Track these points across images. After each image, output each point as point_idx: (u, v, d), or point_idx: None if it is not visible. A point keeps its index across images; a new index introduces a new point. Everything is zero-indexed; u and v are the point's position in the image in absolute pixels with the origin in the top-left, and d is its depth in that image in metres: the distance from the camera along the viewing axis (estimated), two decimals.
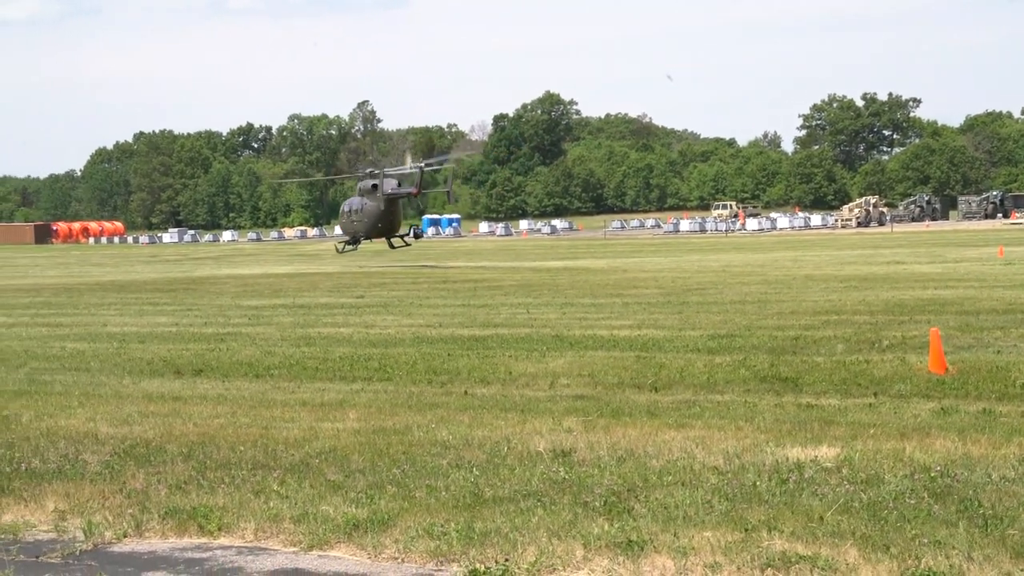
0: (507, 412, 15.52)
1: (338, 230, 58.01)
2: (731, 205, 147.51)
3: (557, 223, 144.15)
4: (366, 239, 51.12)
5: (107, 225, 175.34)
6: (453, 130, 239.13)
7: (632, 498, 10.44)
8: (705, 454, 12.18)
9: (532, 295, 38.08)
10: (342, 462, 12.25)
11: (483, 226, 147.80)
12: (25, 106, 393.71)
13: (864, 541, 8.95)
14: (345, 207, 52.60)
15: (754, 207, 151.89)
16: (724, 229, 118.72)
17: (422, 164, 50.21)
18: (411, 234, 55.24)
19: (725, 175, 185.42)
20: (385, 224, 47.98)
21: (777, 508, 9.97)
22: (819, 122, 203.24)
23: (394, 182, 48.88)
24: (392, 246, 57.39)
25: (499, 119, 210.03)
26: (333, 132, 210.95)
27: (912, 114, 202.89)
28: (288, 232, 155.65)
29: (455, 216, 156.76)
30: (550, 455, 12.32)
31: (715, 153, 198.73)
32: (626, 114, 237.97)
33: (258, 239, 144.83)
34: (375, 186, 48.98)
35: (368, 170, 49.45)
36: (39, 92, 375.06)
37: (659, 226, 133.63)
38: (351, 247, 55.39)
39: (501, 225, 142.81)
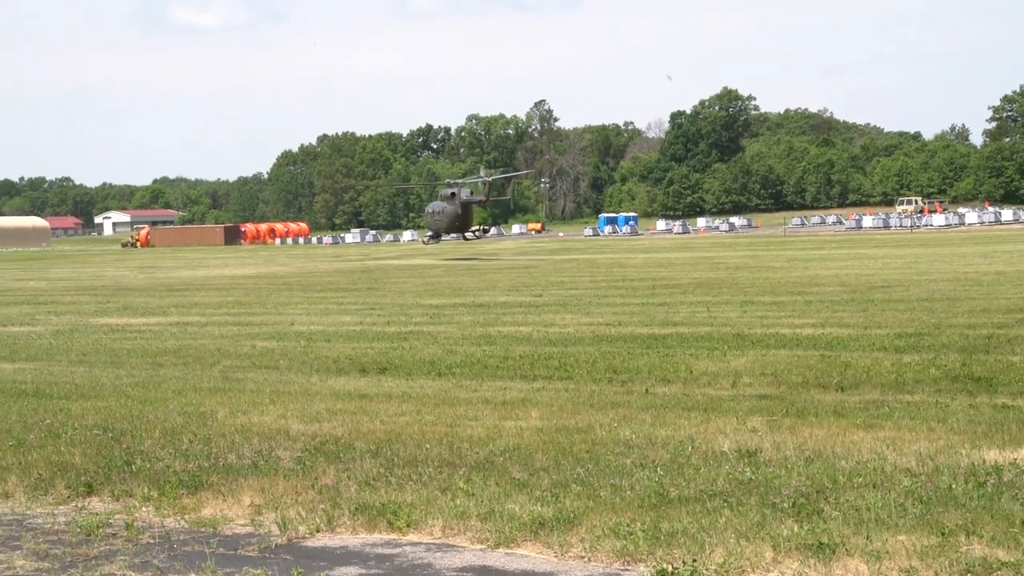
0: (690, 411, 15.40)
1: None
2: (916, 200, 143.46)
3: (735, 220, 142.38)
4: (446, 234, 61.02)
5: (292, 226, 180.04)
6: (630, 128, 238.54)
7: (821, 500, 10.24)
8: (896, 455, 11.87)
9: (711, 293, 37.71)
10: (526, 460, 12.33)
11: (660, 224, 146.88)
12: (215, 111, 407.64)
13: None
14: (429, 209, 62.40)
15: (941, 202, 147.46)
16: (909, 225, 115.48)
17: (489, 178, 58.81)
18: (480, 231, 65.64)
19: (910, 170, 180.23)
20: (460, 223, 58.22)
21: (975, 512, 9.64)
22: (1010, 113, 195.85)
23: (468, 191, 57.65)
24: (465, 239, 70.69)
25: (676, 116, 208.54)
26: (510, 132, 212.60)
27: None
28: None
29: (632, 214, 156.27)
30: (735, 455, 12.17)
31: (899, 147, 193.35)
32: (806, 109, 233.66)
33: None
34: (453, 194, 59.16)
35: (447, 181, 59.74)
36: (229, 97, 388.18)
37: (841, 222, 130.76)
38: (434, 241, 66.79)
39: (679, 223, 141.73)
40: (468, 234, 64.36)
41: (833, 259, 59.62)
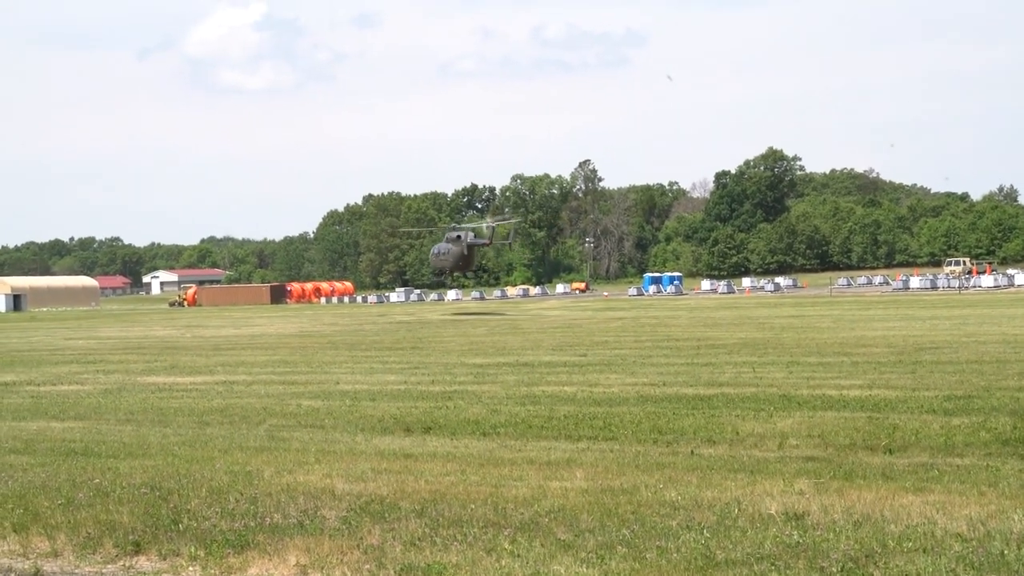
0: (736, 473, 15.30)
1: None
2: (964, 261, 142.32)
3: (781, 280, 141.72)
4: (449, 274, 64.86)
5: (337, 285, 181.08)
6: (674, 187, 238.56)
7: (871, 564, 10.13)
8: (947, 520, 11.72)
9: (757, 354, 37.52)
10: (571, 521, 12.28)
11: (705, 284, 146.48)
12: (262, 171, 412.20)
13: None
14: (435, 250, 65.43)
15: (989, 263, 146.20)
16: (957, 286, 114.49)
17: (494, 223, 61.93)
18: (481, 269, 71.27)
19: (957, 230, 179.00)
20: (464, 263, 61.42)
21: None
22: None
23: (472, 235, 59.96)
24: (470, 273, 71.92)
25: (720, 176, 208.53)
26: (555, 191, 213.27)
27: None
28: (511, 291, 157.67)
29: (676, 274, 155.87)
30: (782, 518, 12.07)
31: (947, 208, 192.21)
32: (852, 169, 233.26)
33: (481, 298, 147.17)
34: (459, 237, 62.89)
35: (452, 226, 62.28)
36: (275, 157, 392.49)
37: (887, 283, 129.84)
38: (439, 278, 71.25)
39: (723, 283, 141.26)
40: (470, 273, 70.18)
41: (880, 320, 59.19)
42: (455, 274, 69.68)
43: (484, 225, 66.22)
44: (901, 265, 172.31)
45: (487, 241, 66.09)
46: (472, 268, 68.25)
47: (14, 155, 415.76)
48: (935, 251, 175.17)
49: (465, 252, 66.71)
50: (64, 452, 19.21)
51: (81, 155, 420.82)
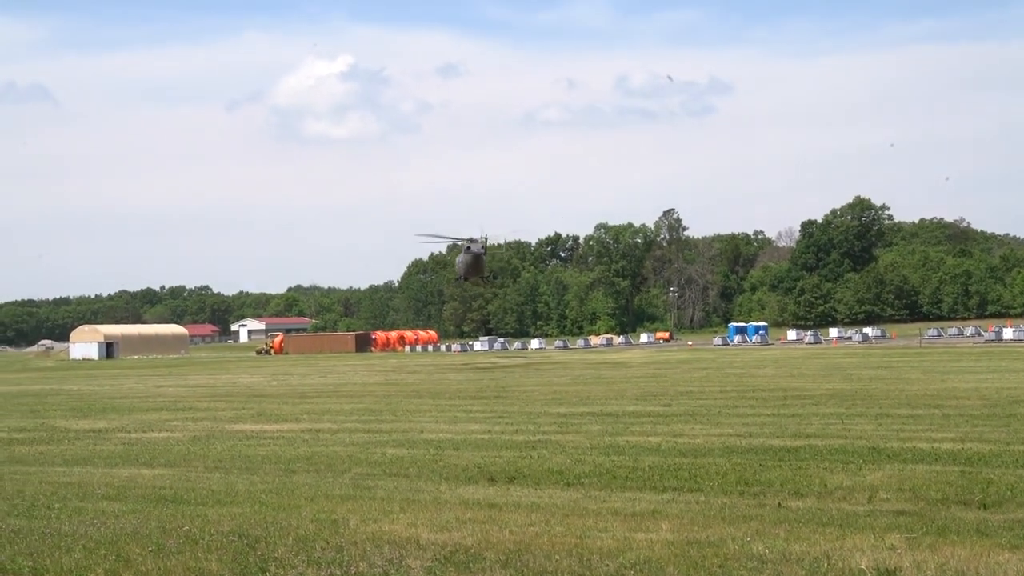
0: (824, 526, 15.08)
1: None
2: None
3: (869, 330, 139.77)
4: (465, 279, 74.65)
5: (421, 334, 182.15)
6: (759, 237, 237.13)
7: None
8: None
9: (844, 405, 37.00)
10: (657, 574, 12.18)
11: (791, 334, 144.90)
12: (348, 220, 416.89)
13: None
14: (457, 259, 77.47)
15: None
16: None
17: (485, 236, 72.24)
18: (491, 276, 74.13)
19: None
20: (473, 269, 71.11)
21: None
22: None
23: (480, 247, 70.40)
24: (483, 282, 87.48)
25: (807, 225, 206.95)
26: (639, 240, 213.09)
27: None
28: (594, 340, 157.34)
29: (762, 324, 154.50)
30: (873, 573, 11.87)
31: None
32: (941, 219, 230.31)
33: (564, 347, 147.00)
34: (468, 249, 72.22)
35: (467, 238, 70.79)
36: (361, 207, 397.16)
37: (979, 334, 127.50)
38: (459, 282, 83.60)
39: (810, 333, 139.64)
40: (482, 279, 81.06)
41: (972, 371, 58.08)
42: (471, 279, 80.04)
43: (480, 237, 75.37)
44: (993, 316, 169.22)
45: (483, 252, 75.37)
46: (484, 275, 78.79)
47: (107, 206, 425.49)
48: None
49: (470, 260, 76.65)
50: (154, 499, 19.47)
51: (172, 206, 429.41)
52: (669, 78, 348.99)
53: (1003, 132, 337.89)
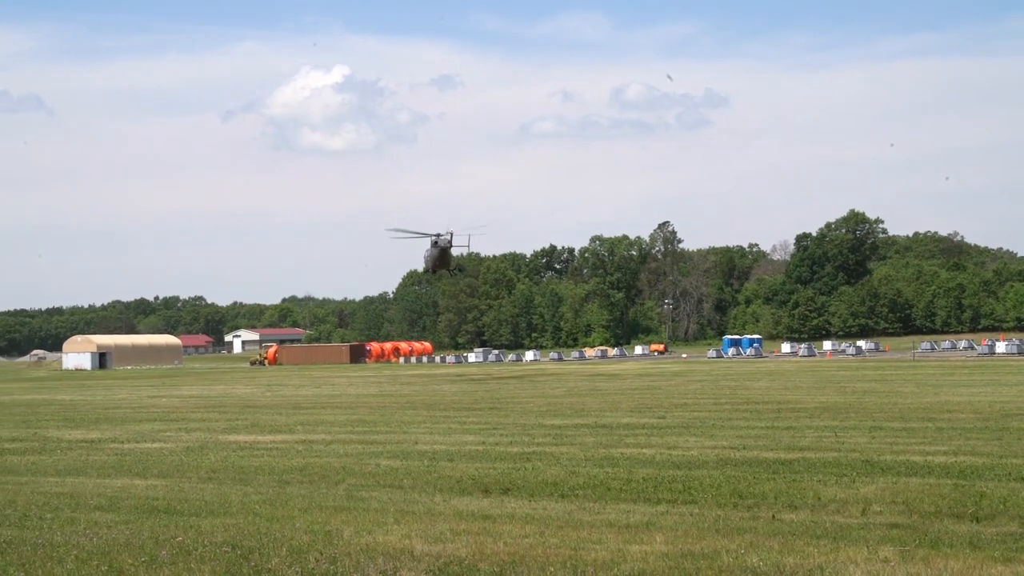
0: (818, 539, 15.09)
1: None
2: None
3: (863, 344, 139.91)
4: (432, 271, 74.78)
5: (416, 345, 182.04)
6: (754, 250, 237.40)
7: None
8: None
9: (838, 418, 37.03)
10: None
11: (785, 346, 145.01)
12: (343, 231, 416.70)
13: None
14: (424, 252, 75.86)
15: None
16: None
17: (452, 231, 73.24)
18: (457, 269, 79.74)
19: None
20: (440, 262, 72.78)
21: None
22: None
23: (446, 241, 72.02)
24: (450, 274, 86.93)
25: (802, 239, 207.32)
26: (634, 253, 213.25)
27: None
28: (589, 352, 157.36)
29: (756, 336, 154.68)
30: None
31: None
32: (936, 232, 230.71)
33: (559, 358, 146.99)
34: (435, 242, 73.09)
35: (435, 233, 73.34)
36: (356, 218, 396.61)
37: (973, 348, 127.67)
38: (429, 275, 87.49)
39: (804, 345, 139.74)
40: (447, 271, 79.03)
41: (965, 385, 58.16)
42: (438, 272, 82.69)
43: (447, 233, 78.19)
44: (987, 330, 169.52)
45: (449, 245, 77.57)
46: (450, 267, 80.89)
47: (101, 216, 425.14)
48: (1022, 315, 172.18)
49: (436, 253, 78.47)
50: (147, 510, 19.44)
51: (166, 216, 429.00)
52: (669, 77, 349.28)
53: (997, 146, 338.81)
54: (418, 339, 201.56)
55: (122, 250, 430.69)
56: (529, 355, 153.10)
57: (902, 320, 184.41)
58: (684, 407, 45.72)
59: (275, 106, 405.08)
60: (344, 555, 14.35)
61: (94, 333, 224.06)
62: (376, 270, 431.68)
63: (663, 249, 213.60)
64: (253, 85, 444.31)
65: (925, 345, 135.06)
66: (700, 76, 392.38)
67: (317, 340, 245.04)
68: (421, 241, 70.47)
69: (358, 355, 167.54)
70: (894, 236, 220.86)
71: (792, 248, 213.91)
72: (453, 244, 77.71)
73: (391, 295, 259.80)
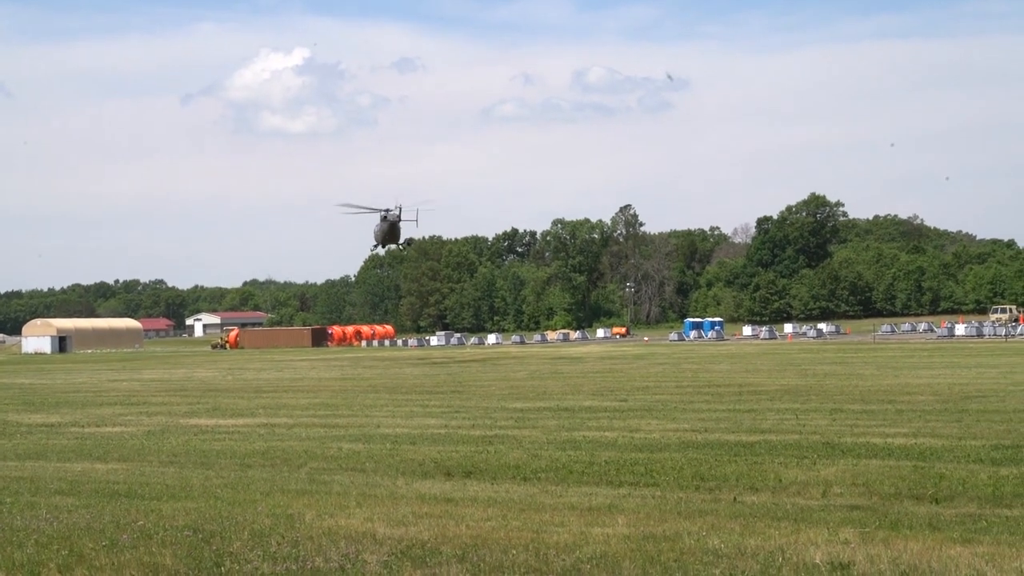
0: (779, 521, 15.17)
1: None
2: (1011, 309, 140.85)
3: (823, 326, 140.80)
4: (382, 245, 73.62)
5: (378, 328, 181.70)
6: (716, 233, 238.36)
7: None
8: (996, 572, 11.56)
9: (799, 400, 37.26)
10: (613, 568, 12.20)
11: (747, 329, 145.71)
12: (304, 215, 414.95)
13: None
14: (375, 228, 75.17)
15: None
16: (1003, 334, 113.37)
17: (400, 205, 72.98)
18: (406, 242, 77.39)
19: (1004, 278, 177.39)
20: (389, 236, 72.40)
21: None
22: None
23: (395, 215, 72.09)
24: (399, 248, 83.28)
25: (763, 221, 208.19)
26: (595, 236, 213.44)
27: None
28: (551, 335, 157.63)
29: (718, 319, 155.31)
30: (827, 567, 11.94)
31: (992, 255, 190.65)
32: (896, 215, 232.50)
33: (521, 342, 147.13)
34: (384, 217, 73.26)
35: (384, 209, 73.22)
36: (317, 201, 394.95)
37: (932, 330, 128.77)
38: (378, 249, 77.27)
39: (765, 328, 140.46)
40: (395, 245, 77.97)
41: (925, 367, 58.66)
42: (388, 246, 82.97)
43: (395, 207, 78.34)
44: (946, 312, 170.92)
45: (397, 220, 78.10)
46: (398, 241, 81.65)
47: (60, 199, 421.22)
48: (981, 298, 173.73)
49: (386, 228, 79.03)
50: (108, 494, 19.32)
51: (126, 199, 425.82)
52: (669, 77, 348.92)
53: (957, 129, 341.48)
54: (380, 323, 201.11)
55: (81, 233, 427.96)
56: (491, 338, 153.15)
57: (863, 303, 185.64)
58: (646, 390, 45.87)
59: (235, 89, 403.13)
60: (306, 539, 14.30)
61: (54, 317, 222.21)
62: (338, 253, 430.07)
63: (625, 232, 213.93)
64: (213, 67, 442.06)
65: (885, 328, 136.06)
66: (661, 59, 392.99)
67: (279, 324, 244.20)
68: (374, 218, 70.14)
69: (320, 339, 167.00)
70: (854, 219, 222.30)
71: (753, 231, 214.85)
72: (402, 219, 78.80)
73: (353, 278, 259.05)
